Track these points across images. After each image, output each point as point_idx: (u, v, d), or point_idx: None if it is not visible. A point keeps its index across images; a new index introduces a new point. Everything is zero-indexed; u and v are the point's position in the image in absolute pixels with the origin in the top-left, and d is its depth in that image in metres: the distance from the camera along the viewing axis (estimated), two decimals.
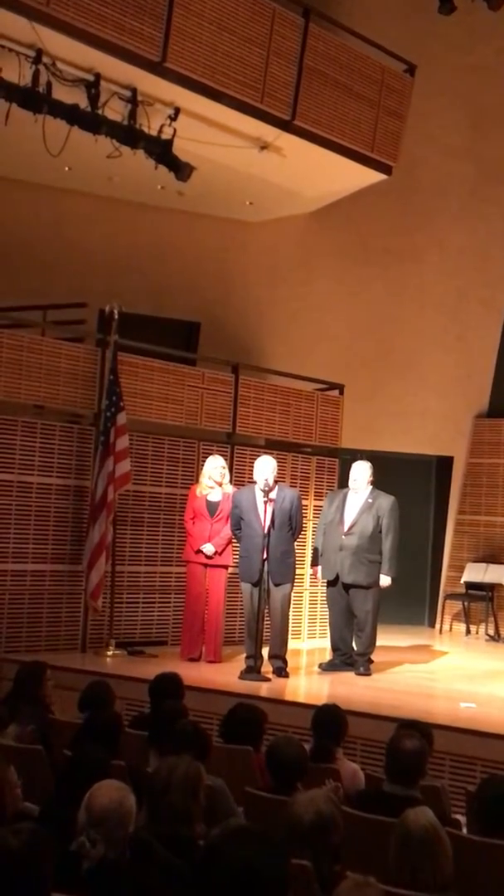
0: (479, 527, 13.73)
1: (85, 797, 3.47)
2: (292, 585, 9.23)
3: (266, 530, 8.80)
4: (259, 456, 9.50)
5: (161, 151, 10.14)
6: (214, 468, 9.60)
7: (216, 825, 3.00)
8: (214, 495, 9.57)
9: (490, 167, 13.52)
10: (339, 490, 10.20)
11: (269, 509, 8.86)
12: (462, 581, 13.24)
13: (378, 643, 9.47)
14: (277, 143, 11.05)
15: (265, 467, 9.04)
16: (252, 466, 9.57)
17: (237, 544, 9.38)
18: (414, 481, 13.79)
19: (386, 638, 10.14)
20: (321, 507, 10.09)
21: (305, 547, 10.50)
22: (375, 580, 9.24)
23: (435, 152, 13.40)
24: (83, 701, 5.99)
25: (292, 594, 9.32)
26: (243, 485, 9.80)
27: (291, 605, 9.41)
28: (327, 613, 9.75)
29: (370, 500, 9.36)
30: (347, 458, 11.15)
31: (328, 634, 9.65)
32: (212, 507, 9.54)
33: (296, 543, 9.27)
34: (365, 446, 12.40)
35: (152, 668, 8.37)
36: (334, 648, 9.44)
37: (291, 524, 9.04)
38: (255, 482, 9.10)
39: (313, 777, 4.82)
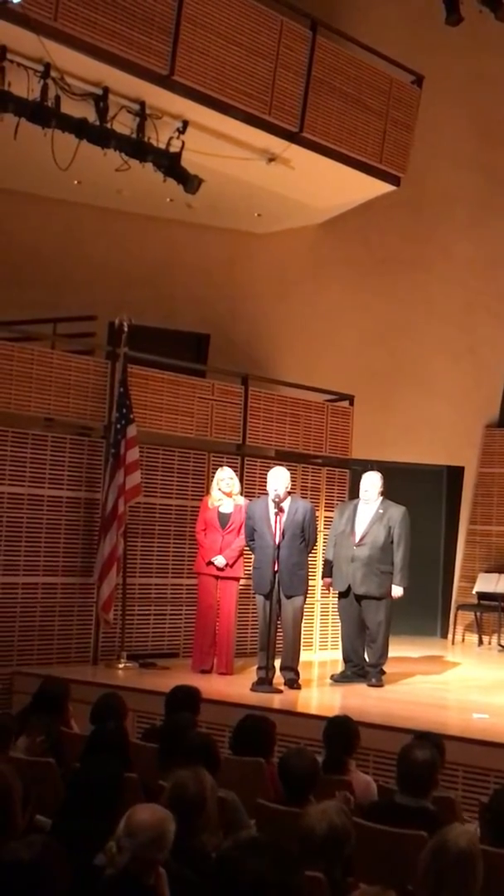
0: (490, 537, 13.70)
1: (127, 812, 3.47)
2: (305, 597, 9.22)
3: (277, 542, 8.80)
4: (271, 467, 9.50)
5: (169, 164, 10.17)
6: (221, 479, 9.60)
7: (229, 837, 3.00)
8: (226, 507, 9.57)
9: (498, 177, 13.52)
10: (349, 501, 10.19)
11: (281, 521, 8.86)
12: (474, 591, 13.21)
13: (390, 654, 9.44)
14: (286, 155, 11.07)
15: (277, 479, 9.04)
16: (262, 478, 9.58)
17: (249, 556, 9.38)
18: (425, 491, 13.78)
19: (398, 649, 10.12)
20: (332, 518, 10.08)
21: (316, 558, 10.49)
22: (387, 591, 9.22)
23: (443, 163, 13.41)
24: (95, 713, 5.99)
25: (304, 606, 9.31)
26: (253, 496, 9.79)
27: (304, 617, 9.40)
28: (339, 625, 9.73)
29: (381, 511, 9.34)
30: (358, 468, 11.14)
31: (340, 646, 9.62)
32: (223, 519, 9.53)
33: (308, 555, 9.26)
34: (375, 457, 12.40)
35: (164, 680, 8.38)
36: (346, 660, 9.42)
37: (304, 536, 9.03)
38: (266, 493, 9.11)
39: (326, 788, 4.81)
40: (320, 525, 10.57)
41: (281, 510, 8.87)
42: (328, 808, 3.71)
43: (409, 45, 12.46)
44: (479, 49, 12.93)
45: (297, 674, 8.99)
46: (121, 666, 9.51)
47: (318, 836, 3.57)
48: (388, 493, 9.53)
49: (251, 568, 9.30)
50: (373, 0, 12.98)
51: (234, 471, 10.03)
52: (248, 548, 9.31)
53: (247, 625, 10.17)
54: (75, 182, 11.22)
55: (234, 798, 4.69)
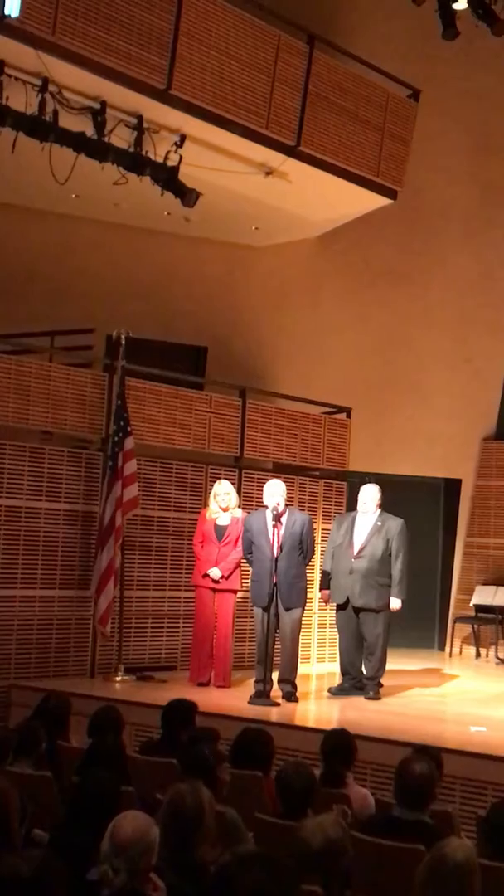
0: (488, 549, 13.71)
1: (109, 826, 3.46)
2: (303, 609, 9.22)
3: (275, 554, 8.80)
4: (268, 480, 9.50)
5: (167, 178, 10.19)
6: (217, 494, 9.59)
7: (227, 851, 2.99)
8: (222, 519, 9.57)
9: (494, 191, 13.57)
10: (347, 513, 10.19)
11: (279, 533, 8.87)
12: (471, 604, 13.21)
13: (388, 667, 9.44)
14: (283, 169, 11.11)
15: (274, 491, 9.05)
16: (259, 490, 9.59)
17: (247, 568, 9.39)
18: (422, 504, 13.78)
19: (396, 662, 10.12)
20: (329, 530, 10.08)
21: (314, 570, 10.49)
22: (385, 603, 9.23)
23: (439, 176, 13.45)
24: (92, 726, 5.98)
25: (302, 618, 9.31)
26: (251, 509, 9.80)
27: (302, 630, 9.40)
28: (337, 637, 9.72)
29: (379, 523, 9.35)
30: (355, 481, 11.15)
31: (338, 658, 9.62)
32: (219, 531, 9.54)
33: (306, 567, 9.27)
34: (373, 469, 12.41)
35: (161, 693, 8.38)
36: (344, 672, 9.42)
37: (302, 548, 9.03)
38: (264, 506, 9.11)
39: (323, 802, 4.81)
40: (318, 537, 10.57)
41: (279, 522, 8.88)
42: (324, 822, 3.70)
43: (406, 59, 12.51)
44: (476, 63, 12.99)
45: (295, 686, 8.98)
46: (118, 679, 9.50)
47: (314, 849, 3.56)
48: (386, 505, 9.54)
49: (249, 580, 9.30)
50: (369, 15, 13.04)
51: (232, 483, 10.03)
52: (245, 560, 9.32)
53: (244, 637, 10.17)
54: (73, 196, 11.25)
55: (235, 816, 4.67)
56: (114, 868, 3.34)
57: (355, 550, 9.28)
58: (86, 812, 3.72)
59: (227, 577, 9.48)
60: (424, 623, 13.72)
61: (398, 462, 13.34)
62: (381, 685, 9.29)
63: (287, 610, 8.94)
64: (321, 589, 9.80)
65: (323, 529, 11.07)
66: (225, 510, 9.57)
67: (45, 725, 5.83)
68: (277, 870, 2.64)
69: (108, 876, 3.34)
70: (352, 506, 10.28)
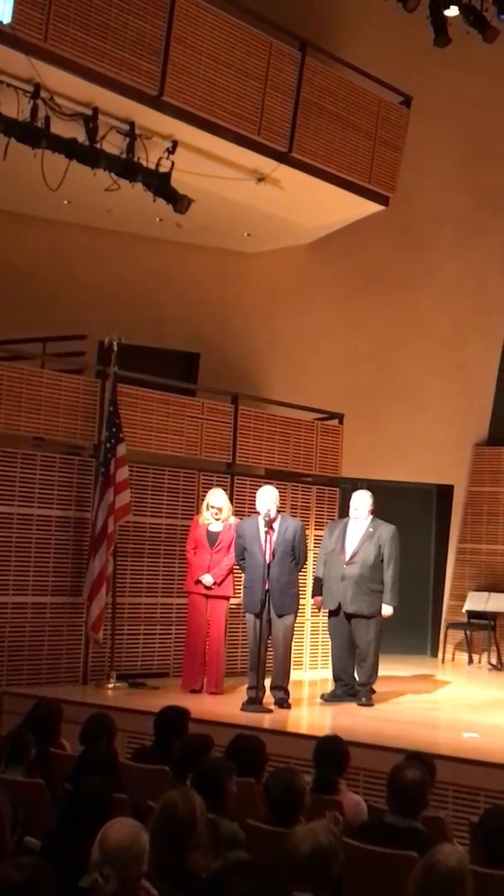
0: (480, 555, 13.71)
1: (99, 834, 3.45)
2: (295, 616, 9.20)
3: (268, 561, 8.80)
4: (260, 486, 9.50)
5: (159, 184, 10.20)
6: (210, 506, 9.56)
7: (219, 859, 2.99)
8: (215, 525, 9.57)
9: (486, 197, 13.60)
10: (339, 520, 10.20)
11: (271, 539, 8.86)
12: (464, 610, 13.21)
13: (380, 673, 9.44)
14: (275, 175, 11.12)
15: (267, 497, 9.05)
16: (252, 496, 9.58)
17: (240, 574, 9.38)
18: (414, 510, 13.79)
19: (388, 668, 10.11)
20: (321, 536, 10.08)
21: (307, 577, 10.48)
22: (377, 610, 9.23)
23: (431, 183, 13.48)
24: (84, 733, 5.97)
25: (295, 625, 9.30)
26: (243, 515, 9.79)
27: (294, 636, 9.38)
28: (329, 644, 9.72)
29: (371, 530, 9.36)
30: (347, 487, 11.16)
31: (330, 665, 9.61)
32: (212, 538, 9.53)
33: (298, 574, 9.26)
34: (365, 475, 12.41)
35: (154, 700, 8.36)
36: (336, 679, 9.41)
37: (294, 554, 9.03)
38: (256, 512, 9.11)
39: (316, 808, 4.80)
40: (310, 543, 10.58)
41: (271, 529, 8.88)
42: (315, 828, 3.70)
43: (398, 66, 12.54)
44: (467, 70, 13.02)
45: (287, 693, 8.97)
46: (110, 686, 9.48)
47: (304, 856, 3.55)
48: (378, 511, 9.54)
49: (241, 587, 9.29)
50: (361, 21, 13.06)
51: (224, 489, 10.02)
52: (238, 566, 9.31)
53: (237, 644, 10.16)
54: (65, 202, 11.24)
55: (236, 829, 4.62)
56: (104, 875, 3.33)
57: (347, 557, 9.28)
58: (78, 819, 3.71)
59: (220, 584, 9.47)
60: (417, 629, 13.72)
61: (390, 468, 13.34)
62: (373, 691, 9.29)
63: (279, 616, 8.94)
64: (313, 595, 9.79)
65: (315, 536, 11.07)
66: (218, 519, 9.57)
67: (36, 732, 5.82)
68: (268, 877, 2.64)
69: (98, 883, 3.33)
70: (344, 512, 10.28)
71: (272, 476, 11.27)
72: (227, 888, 2.61)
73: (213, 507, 9.55)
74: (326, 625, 9.85)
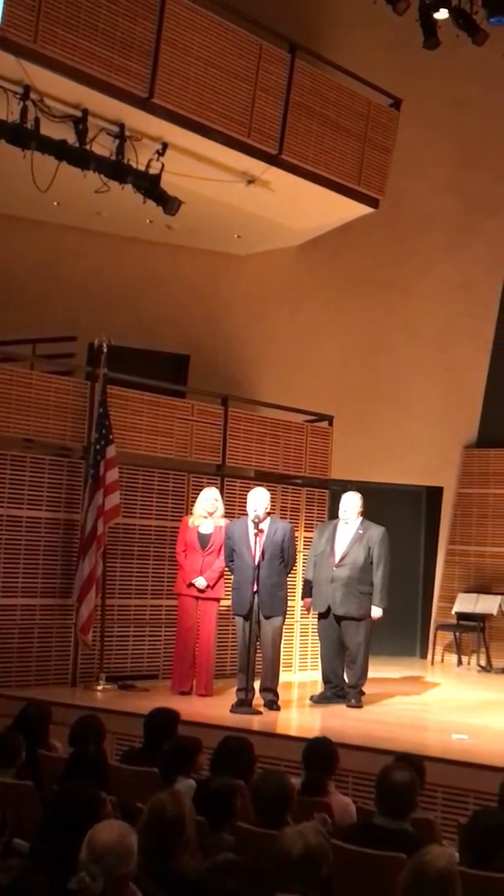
0: (469, 557, 13.73)
1: (87, 835, 3.45)
2: (284, 618, 9.21)
3: (256, 563, 8.80)
4: (250, 488, 9.50)
5: (149, 186, 10.19)
6: (207, 499, 9.59)
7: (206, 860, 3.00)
8: (206, 527, 9.56)
9: (475, 200, 13.63)
10: (329, 521, 10.21)
11: (260, 541, 8.87)
12: (453, 612, 13.22)
13: (370, 675, 9.45)
14: (265, 177, 11.12)
15: (256, 500, 9.06)
16: (241, 498, 9.59)
17: (230, 577, 9.38)
18: (404, 512, 13.80)
19: (377, 669, 10.12)
20: (311, 538, 10.09)
21: (296, 579, 10.49)
22: (367, 612, 9.24)
23: (421, 185, 13.50)
24: (73, 735, 5.96)
25: (283, 627, 9.30)
26: (233, 517, 9.79)
27: (283, 638, 9.39)
28: (318, 645, 9.72)
29: (361, 532, 9.36)
30: (337, 489, 11.16)
31: (319, 667, 9.62)
32: (203, 540, 9.52)
33: (287, 576, 9.27)
34: (354, 477, 12.42)
35: (143, 702, 8.36)
36: (326, 681, 9.41)
37: (283, 556, 9.04)
38: (245, 514, 9.12)
39: (305, 810, 4.80)
40: (300, 545, 10.59)
41: (260, 531, 8.89)
42: (304, 830, 3.70)
43: (388, 68, 12.56)
44: (457, 73, 13.06)
45: (277, 695, 8.98)
46: (100, 688, 9.47)
47: (294, 857, 3.56)
48: (368, 513, 9.55)
49: (230, 588, 9.29)
50: (351, 24, 13.08)
51: (218, 492, 10.01)
52: (227, 568, 9.31)
53: (226, 646, 10.16)
54: (55, 203, 11.23)
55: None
56: (91, 875, 3.34)
57: (337, 559, 9.29)
58: (64, 821, 3.71)
59: (212, 586, 9.47)
60: (406, 631, 13.73)
61: (380, 470, 13.36)
62: (362, 693, 9.29)
63: (267, 618, 8.94)
64: (303, 597, 9.79)
65: (305, 538, 11.08)
66: (211, 514, 9.55)
67: (25, 734, 5.81)
68: (252, 877, 2.64)
69: (85, 882, 3.33)
70: (333, 514, 10.28)
71: (262, 478, 11.27)
72: (211, 889, 2.61)
73: (210, 500, 9.55)
74: (316, 627, 9.86)
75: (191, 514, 9.75)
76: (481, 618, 12.89)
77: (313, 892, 3.56)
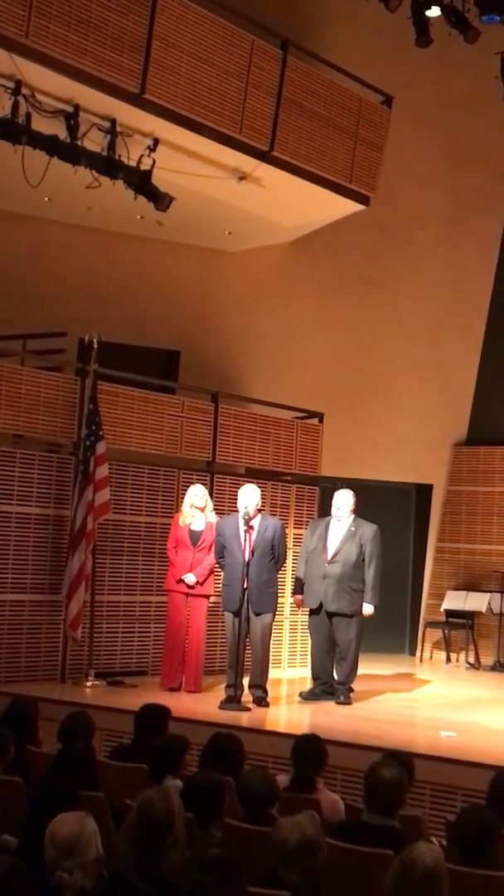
0: (458, 554, 13.76)
1: (46, 834, 3.46)
2: (273, 615, 9.21)
3: (247, 559, 8.81)
4: (241, 485, 9.51)
5: (140, 182, 10.17)
6: (195, 494, 9.60)
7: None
8: (197, 524, 9.56)
9: (466, 198, 13.65)
10: (321, 518, 10.21)
11: (250, 538, 8.87)
12: (442, 609, 13.25)
13: (359, 672, 9.45)
14: (256, 174, 11.11)
15: (246, 496, 9.06)
16: (232, 495, 9.59)
17: (220, 573, 9.38)
18: (393, 509, 13.81)
19: (367, 666, 10.13)
20: (301, 535, 10.09)
21: (286, 576, 10.49)
22: (358, 609, 9.25)
23: (412, 183, 13.51)
24: (62, 732, 5.95)
25: (273, 623, 9.30)
26: (223, 514, 9.79)
27: (272, 635, 9.39)
28: (308, 642, 9.73)
29: (353, 529, 9.37)
30: (327, 486, 11.17)
31: (309, 663, 9.62)
32: (194, 537, 9.52)
33: (277, 573, 9.27)
34: (344, 474, 12.42)
35: (132, 698, 8.36)
36: (315, 677, 9.42)
37: (274, 553, 9.04)
38: (236, 511, 9.12)
39: (293, 807, 4.80)
40: (290, 542, 10.59)
41: (250, 528, 8.89)
42: (300, 821, 3.75)
43: (379, 65, 12.55)
44: (449, 71, 13.07)
45: (266, 691, 8.98)
46: (89, 684, 9.46)
47: (292, 846, 3.60)
48: (357, 510, 9.56)
49: (221, 585, 9.29)
50: (343, 21, 13.07)
51: (205, 487, 10.02)
52: (217, 564, 9.32)
53: (216, 642, 10.16)
54: (46, 199, 11.20)
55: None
56: (68, 871, 3.35)
57: (329, 556, 9.30)
58: (45, 817, 3.70)
59: (202, 583, 9.47)
60: (395, 628, 13.75)
61: (370, 467, 13.37)
62: (352, 690, 9.31)
63: (257, 615, 8.95)
64: (294, 594, 9.80)
65: (295, 534, 11.08)
66: (202, 509, 9.56)
67: (13, 730, 5.80)
68: (223, 870, 2.67)
69: (65, 880, 3.34)
70: (323, 511, 10.29)
71: (252, 474, 11.27)
72: (183, 882, 2.63)
73: (199, 495, 9.56)
74: (305, 623, 9.86)
75: (181, 512, 9.74)
76: (470, 615, 12.93)
77: (308, 883, 3.59)
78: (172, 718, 6.42)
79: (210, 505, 9.69)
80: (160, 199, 10.30)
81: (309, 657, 9.64)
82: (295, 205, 12.10)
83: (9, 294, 12.14)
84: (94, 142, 9.89)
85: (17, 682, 9.20)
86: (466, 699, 10.14)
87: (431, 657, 13.43)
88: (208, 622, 9.72)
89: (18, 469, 9.56)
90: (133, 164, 10.16)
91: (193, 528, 9.56)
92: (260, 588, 8.92)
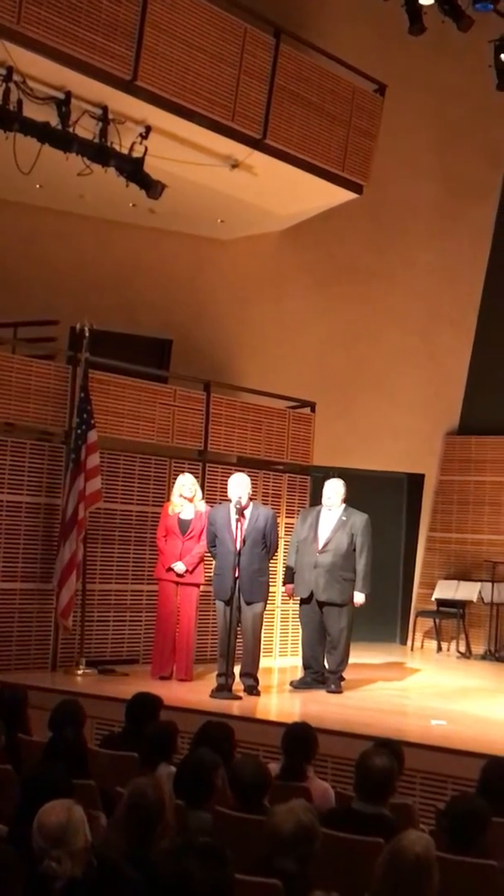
0: (450, 544, 13.78)
1: (34, 823, 3.46)
2: (265, 604, 9.22)
3: (238, 549, 8.80)
4: (232, 474, 9.50)
5: (132, 169, 10.14)
6: (183, 485, 9.60)
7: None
8: (186, 513, 9.56)
9: (459, 187, 13.63)
10: (312, 508, 10.21)
11: (242, 527, 8.87)
12: (433, 598, 13.27)
13: (350, 661, 9.46)
14: (248, 162, 11.08)
15: (238, 485, 9.06)
16: (223, 484, 9.58)
17: (210, 562, 9.38)
18: (385, 499, 13.82)
19: (358, 655, 10.14)
20: (292, 524, 10.09)
21: (277, 565, 10.49)
22: (350, 598, 9.25)
23: (405, 172, 13.49)
24: (53, 720, 5.94)
25: (264, 612, 9.31)
26: (215, 503, 9.79)
27: (263, 624, 9.40)
28: (299, 631, 9.74)
29: (344, 518, 9.37)
30: (319, 475, 11.17)
31: (300, 652, 9.63)
32: (183, 526, 9.52)
33: (269, 562, 9.27)
34: (336, 464, 12.43)
35: (123, 686, 8.36)
36: (306, 666, 9.43)
37: (266, 542, 9.04)
38: (228, 500, 9.11)
39: (284, 795, 4.80)
40: (281, 532, 10.59)
41: (242, 517, 8.89)
42: (294, 807, 3.76)
43: (373, 54, 12.51)
44: (442, 59, 13.03)
45: (257, 680, 8.99)
46: (80, 672, 9.46)
47: (287, 833, 3.61)
48: (349, 500, 9.56)
49: (212, 573, 9.29)
50: (336, 9, 13.03)
51: (196, 477, 10.03)
52: (209, 553, 9.31)
53: (207, 631, 10.17)
54: (37, 186, 11.16)
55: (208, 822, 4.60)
56: (56, 860, 3.35)
57: (320, 545, 9.30)
58: (37, 805, 3.69)
59: (191, 572, 9.47)
60: (386, 617, 13.78)
61: (361, 457, 13.37)
62: (343, 679, 9.32)
63: (248, 604, 8.95)
64: (285, 583, 9.80)
65: (286, 524, 11.08)
66: (190, 500, 9.55)
67: (3, 719, 5.80)
68: (207, 856, 2.67)
69: (53, 869, 3.34)
70: (315, 500, 10.29)
71: (244, 464, 11.26)
72: (168, 868, 2.64)
73: (188, 485, 9.56)
74: (297, 612, 9.87)
75: (170, 501, 9.73)
76: (461, 604, 12.95)
77: (304, 867, 3.61)
78: (164, 707, 6.42)
79: (199, 494, 9.68)
80: (152, 187, 10.27)
81: (300, 646, 9.63)
82: (287, 193, 12.07)
83: (0, 281, 12.11)
84: (85, 129, 9.86)
85: (7, 671, 9.19)
86: (457, 688, 10.16)
87: (422, 646, 13.45)
88: (200, 611, 9.72)
89: (9, 457, 9.55)
90: (125, 151, 10.13)
91: (183, 516, 9.55)
92: (251, 577, 8.92)
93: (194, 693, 8.69)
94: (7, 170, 9.68)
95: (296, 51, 11.19)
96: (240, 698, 8.63)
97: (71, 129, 9.65)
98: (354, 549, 9.29)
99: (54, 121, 9.57)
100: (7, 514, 9.48)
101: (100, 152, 9.88)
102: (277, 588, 10.64)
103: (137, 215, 12.28)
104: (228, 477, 9.45)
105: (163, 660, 9.48)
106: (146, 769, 5.14)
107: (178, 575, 9.45)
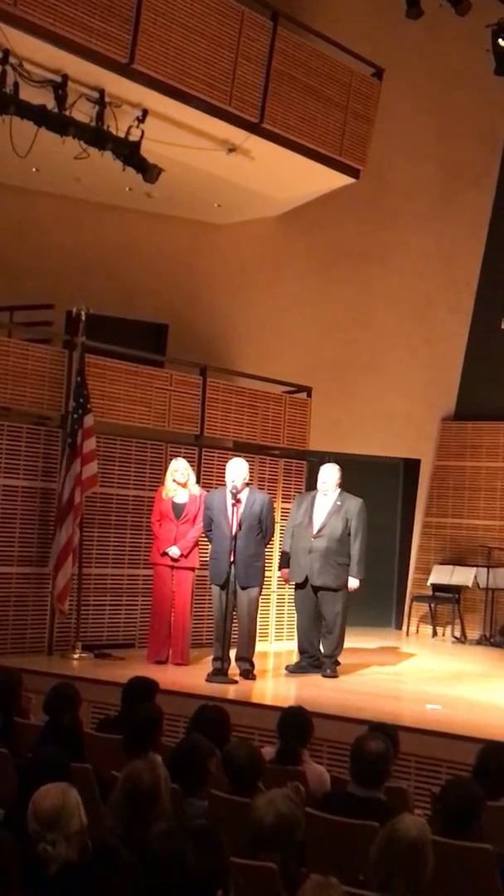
0: (445, 529, 13.80)
1: (29, 806, 3.46)
2: (260, 589, 9.24)
3: (234, 533, 8.82)
4: (228, 458, 9.50)
5: (129, 153, 10.11)
6: (176, 470, 9.59)
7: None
8: (180, 497, 9.56)
9: (456, 171, 13.61)
10: (307, 493, 10.22)
11: (238, 512, 8.87)
12: (429, 583, 13.30)
13: (345, 645, 9.49)
14: (245, 146, 11.05)
15: (234, 470, 9.06)
16: (220, 469, 9.58)
17: (206, 546, 9.39)
18: (381, 484, 13.84)
19: (353, 640, 10.17)
20: (289, 509, 10.10)
21: (273, 550, 10.50)
22: (344, 582, 9.27)
23: (402, 156, 13.46)
24: (49, 704, 5.96)
25: (260, 597, 9.32)
26: (211, 487, 9.79)
27: (259, 608, 9.42)
28: (295, 616, 9.76)
29: (339, 503, 9.38)
30: (315, 460, 11.17)
31: (296, 637, 9.65)
32: (177, 510, 9.52)
33: (264, 547, 9.28)
34: (332, 449, 12.42)
35: (119, 670, 8.38)
36: (301, 651, 9.45)
37: (262, 527, 9.05)
38: (224, 484, 9.12)
39: (279, 779, 4.82)
40: (277, 516, 10.60)
41: (238, 501, 8.89)
42: (274, 798, 3.74)
43: (370, 37, 12.47)
44: (439, 43, 12.99)
45: (252, 664, 9.01)
46: (76, 656, 9.48)
47: (268, 826, 3.60)
48: (345, 484, 9.57)
49: (208, 558, 9.30)
50: None
51: (192, 462, 10.03)
52: (205, 537, 9.32)
53: (203, 615, 10.18)
54: (33, 169, 11.12)
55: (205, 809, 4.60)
56: (51, 843, 3.36)
57: (315, 530, 9.31)
58: (34, 788, 3.71)
59: (186, 556, 9.48)
60: (382, 602, 13.80)
61: (358, 442, 13.37)
62: (338, 663, 9.34)
63: (244, 589, 8.97)
64: (280, 568, 9.81)
65: (283, 508, 11.09)
66: (183, 485, 9.55)
67: None
68: (199, 838, 2.69)
69: (48, 853, 3.35)
70: (311, 485, 10.30)
71: (240, 448, 11.27)
72: (159, 851, 2.66)
73: (181, 470, 9.56)
74: (292, 597, 9.89)
75: (164, 486, 9.72)
76: (456, 589, 12.98)
77: (290, 856, 3.61)
78: (160, 691, 6.44)
79: (193, 479, 9.67)
80: (149, 171, 10.24)
81: (295, 631, 9.66)
82: (284, 177, 12.04)
83: None
84: (82, 112, 9.82)
85: (3, 655, 9.20)
86: (452, 673, 10.19)
87: (418, 631, 13.48)
88: (195, 595, 9.73)
89: (5, 441, 9.54)
90: (122, 135, 10.09)
91: (177, 500, 9.56)
92: (247, 562, 8.93)
93: (190, 677, 8.72)
94: (3, 153, 9.66)
95: (293, 34, 11.15)
96: (235, 682, 8.65)
97: (67, 113, 9.61)
98: (349, 534, 9.31)
99: (51, 104, 9.53)
100: (3, 498, 9.48)
101: (96, 136, 9.84)
102: (273, 573, 10.66)
103: (134, 199, 12.25)
104: (224, 462, 9.46)
105: (159, 644, 9.50)
106: (133, 753, 5.14)
107: (173, 559, 9.46)
